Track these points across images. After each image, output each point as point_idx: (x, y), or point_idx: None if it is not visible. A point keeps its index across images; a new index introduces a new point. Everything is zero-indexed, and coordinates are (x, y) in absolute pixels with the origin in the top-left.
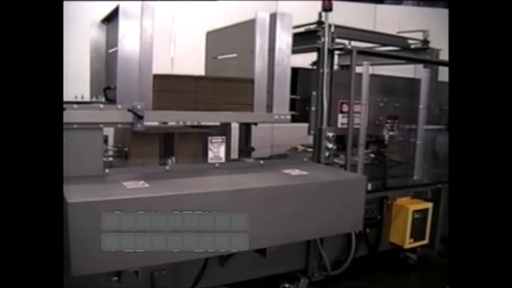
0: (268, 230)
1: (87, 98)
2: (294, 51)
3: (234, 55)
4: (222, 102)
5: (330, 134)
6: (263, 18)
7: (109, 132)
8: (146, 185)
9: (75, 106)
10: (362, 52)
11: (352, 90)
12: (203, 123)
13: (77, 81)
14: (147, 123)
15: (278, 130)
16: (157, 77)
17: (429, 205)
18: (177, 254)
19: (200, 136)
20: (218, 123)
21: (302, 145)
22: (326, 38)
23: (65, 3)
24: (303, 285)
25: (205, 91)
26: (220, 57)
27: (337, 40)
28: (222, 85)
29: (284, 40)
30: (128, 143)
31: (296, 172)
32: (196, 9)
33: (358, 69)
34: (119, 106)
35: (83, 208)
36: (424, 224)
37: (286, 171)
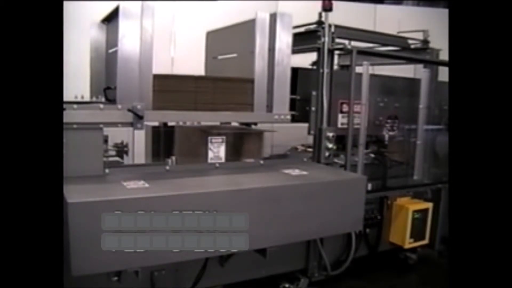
0: (268, 230)
1: (87, 98)
2: (294, 51)
3: (234, 55)
4: (222, 102)
5: (330, 134)
6: (263, 18)
7: (109, 132)
8: (146, 185)
9: (75, 106)
10: (362, 52)
11: (352, 90)
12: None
13: (77, 81)
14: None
15: (278, 130)
16: (157, 77)
17: (429, 205)
18: (177, 254)
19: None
20: (217, 123)
21: (302, 145)
22: (326, 38)
23: (65, 3)
24: (303, 285)
25: (205, 91)
26: (220, 57)
27: (337, 40)
28: (222, 85)
29: (284, 40)
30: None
31: (296, 172)
32: (196, 9)
33: (358, 69)
34: (119, 106)
35: (83, 208)
36: (424, 224)
37: (286, 171)
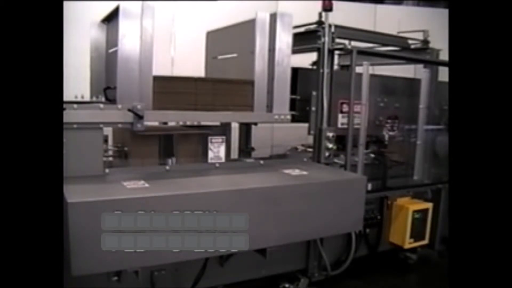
0: (268, 230)
1: (87, 98)
2: (294, 51)
3: (234, 55)
4: (222, 103)
5: (330, 134)
6: (263, 18)
7: (109, 132)
8: (146, 185)
9: (75, 106)
10: (362, 52)
11: (352, 90)
12: (203, 123)
13: (77, 81)
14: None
15: (278, 130)
16: (157, 79)
17: (429, 205)
18: (177, 254)
19: (200, 137)
20: (217, 123)
21: (302, 145)
22: (326, 38)
23: (65, 3)
24: (303, 285)
25: (205, 93)
26: (220, 57)
27: (337, 40)
28: (222, 87)
29: (284, 40)
30: (128, 144)
31: (296, 172)
32: (196, 9)
33: (358, 69)
34: (119, 106)
35: (83, 208)
36: (424, 224)
37: (286, 171)
